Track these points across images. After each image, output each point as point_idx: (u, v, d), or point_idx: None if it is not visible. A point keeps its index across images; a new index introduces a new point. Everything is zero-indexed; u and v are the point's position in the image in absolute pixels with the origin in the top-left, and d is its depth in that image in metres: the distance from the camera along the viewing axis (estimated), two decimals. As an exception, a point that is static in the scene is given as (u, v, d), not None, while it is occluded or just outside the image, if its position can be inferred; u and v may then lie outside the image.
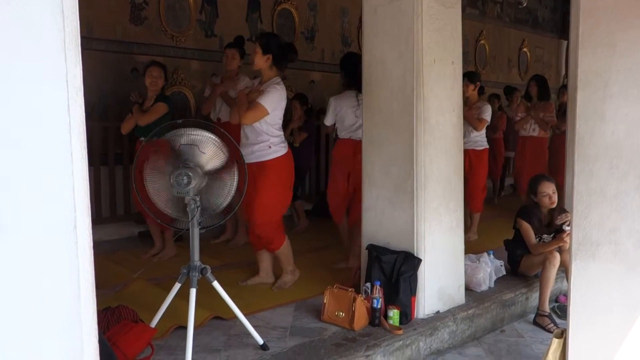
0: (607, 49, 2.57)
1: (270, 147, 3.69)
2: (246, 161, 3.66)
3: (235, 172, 2.87)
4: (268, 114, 3.61)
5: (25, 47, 1.38)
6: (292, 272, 3.99)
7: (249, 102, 3.63)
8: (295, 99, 5.95)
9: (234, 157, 2.88)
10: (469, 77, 5.66)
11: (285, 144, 3.81)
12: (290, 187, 3.88)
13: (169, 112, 4.49)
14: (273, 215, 3.78)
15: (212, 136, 2.81)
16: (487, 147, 5.84)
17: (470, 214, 5.85)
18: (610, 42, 2.56)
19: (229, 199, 2.87)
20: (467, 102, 5.68)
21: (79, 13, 1.50)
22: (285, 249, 3.91)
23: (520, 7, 10.23)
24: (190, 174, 2.68)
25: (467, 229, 5.83)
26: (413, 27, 3.35)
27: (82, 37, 1.52)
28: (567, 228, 3.97)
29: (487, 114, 5.61)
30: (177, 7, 5.92)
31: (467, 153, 5.62)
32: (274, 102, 3.64)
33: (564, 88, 7.89)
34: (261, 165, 3.69)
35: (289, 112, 5.41)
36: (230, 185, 2.86)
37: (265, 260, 4.02)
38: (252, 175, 3.69)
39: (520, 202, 6.36)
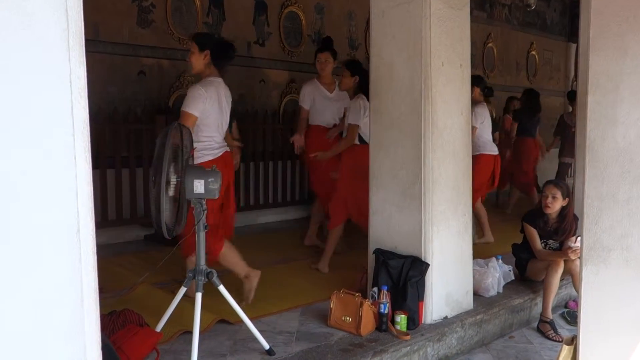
0: (618, 52, 2.53)
1: None
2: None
3: None
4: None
5: (27, 47, 1.35)
6: None
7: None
8: None
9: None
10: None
11: None
12: None
13: None
14: None
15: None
16: (483, 153, 5.43)
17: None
18: (621, 44, 2.52)
19: None
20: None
21: (85, 16, 1.48)
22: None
23: (528, 10, 10.17)
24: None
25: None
26: (421, 29, 3.33)
27: (88, 40, 1.50)
28: (574, 245, 3.90)
29: (475, 120, 5.15)
30: (184, 9, 5.92)
31: None
32: None
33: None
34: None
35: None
36: None
37: None
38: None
39: (527, 203, 6.40)
